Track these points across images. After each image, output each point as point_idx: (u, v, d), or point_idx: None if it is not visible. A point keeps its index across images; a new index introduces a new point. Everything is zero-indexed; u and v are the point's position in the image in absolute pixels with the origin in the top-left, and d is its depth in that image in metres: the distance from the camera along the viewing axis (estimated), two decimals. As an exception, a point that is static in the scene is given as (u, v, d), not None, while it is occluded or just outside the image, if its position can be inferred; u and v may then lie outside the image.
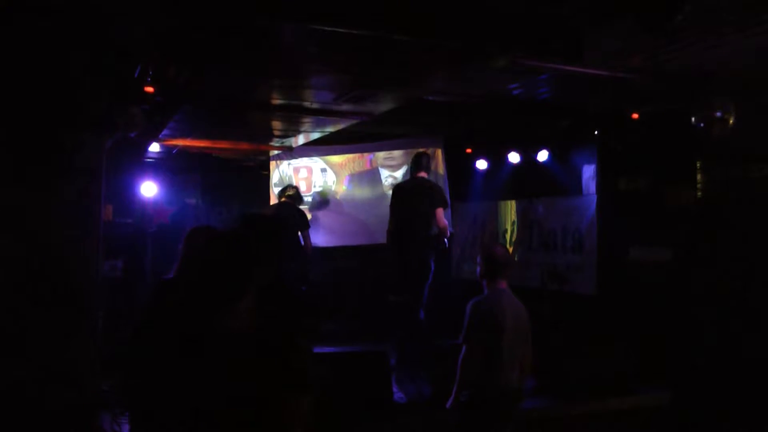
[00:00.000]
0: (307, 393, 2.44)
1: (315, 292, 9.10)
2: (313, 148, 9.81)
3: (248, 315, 2.41)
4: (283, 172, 10.19)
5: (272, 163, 10.20)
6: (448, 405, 4.78)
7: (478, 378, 4.58)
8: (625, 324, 7.14)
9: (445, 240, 7.43)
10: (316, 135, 8.58)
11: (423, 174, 7.59)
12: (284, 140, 9.07)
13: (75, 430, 4.72)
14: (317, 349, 7.64)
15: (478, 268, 4.80)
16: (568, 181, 8.59)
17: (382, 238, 9.80)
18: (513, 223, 9.30)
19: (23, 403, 4.43)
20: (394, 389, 6.04)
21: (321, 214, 10.22)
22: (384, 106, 6.61)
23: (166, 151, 9.29)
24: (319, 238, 10.07)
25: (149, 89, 5.75)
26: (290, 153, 9.88)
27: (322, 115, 7.03)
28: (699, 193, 6.69)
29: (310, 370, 2.45)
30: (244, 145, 9.28)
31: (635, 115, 7.19)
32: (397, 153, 9.86)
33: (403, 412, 5.82)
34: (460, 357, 4.68)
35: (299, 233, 8.64)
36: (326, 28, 4.23)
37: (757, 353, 5.99)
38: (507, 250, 4.96)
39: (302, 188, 10.20)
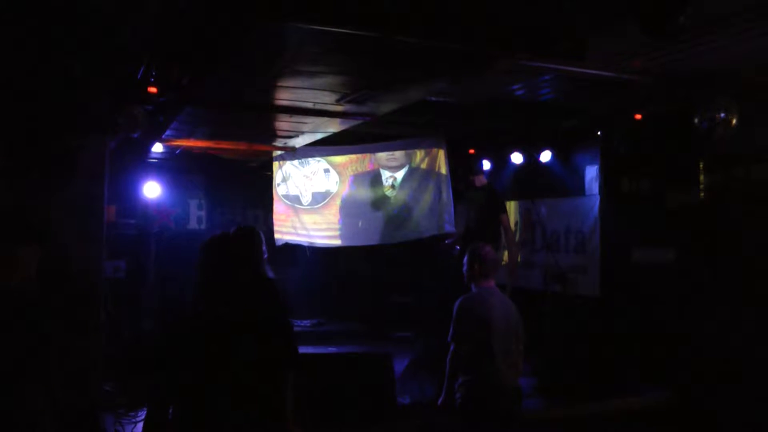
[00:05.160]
0: (294, 366, 2.99)
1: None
2: (315, 149, 9.81)
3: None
4: (285, 173, 10.19)
5: (275, 164, 10.20)
6: (439, 402, 4.82)
7: (470, 376, 4.60)
8: (626, 324, 7.14)
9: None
10: (319, 135, 8.59)
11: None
12: (287, 141, 9.07)
13: (79, 430, 4.73)
14: (323, 350, 7.73)
15: (465, 269, 4.83)
16: (571, 182, 8.59)
17: (382, 239, 9.84)
18: (516, 224, 9.30)
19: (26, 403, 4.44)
20: (397, 390, 6.04)
21: (323, 215, 10.23)
22: (387, 107, 6.61)
23: (169, 151, 9.30)
24: (322, 239, 10.09)
25: (152, 90, 5.76)
26: (293, 153, 9.88)
27: (324, 116, 7.03)
28: (702, 194, 6.68)
29: (294, 347, 3.02)
30: (247, 146, 9.28)
31: (638, 116, 7.19)
32: (398, 154, 9.85)
33: (407, 413, 5.82)
34: (449, 355, 4.72)
35: None
36: (329, 30, 4.23)
37: (759, 354, 5.99)
38: (493, 250, 4.99)
39: (305, 188, 10.22)
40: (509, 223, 7.57)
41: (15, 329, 2.78)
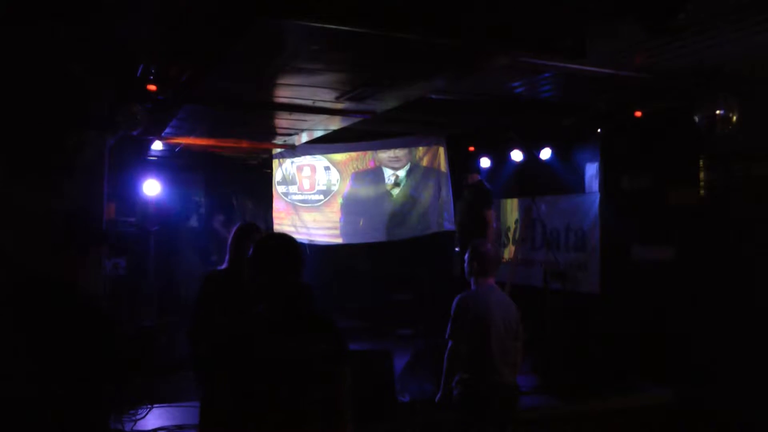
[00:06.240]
0: (347, 360, 2.84)
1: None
2: (315, 146, 9.81)
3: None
4: (286, 171, 10.19)
5: (275, 161, 10.20)
6: (436, 399, 4.82)
7: (467, 374, 4.59)
8: (626, 322, 7.14)
9: None
10: (318, 133, 8.58)
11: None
12: (287, 138, 9.07)
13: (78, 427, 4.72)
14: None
15: (466, 266, 4.83)
16: (571, 179, 8.59)
17: (383, 236, 9.85)
18: (516, 221, 9.30)
19: (28, 401, 4.44)
20: (397, 387, 6.04)
21: (324, 213, 10.23)
22: (387, 104, 6.61)
23: (169, 149, 9.30)
24: (322, 237, 10.09)
25: (152, 87, 5.75)
26: (293, 151, 9.88)
27: (324, 113, 7.03)
28: (702, 192, 6.68)
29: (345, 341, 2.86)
30: (246, 144, 9.28)
31: (638, 113, 7.18)
32: (400, 152, 9.86)
33: (406, 410, 5.82)
34: (446, 352, 4.72)
35: None
36: (329, 26, 4.22)
37: (759, 352, 5.98)
38: (495, 248, 4.99)
39: (306, 186, 10.22)
40: (492, 220, 7.58)
41: (82, 327, 2.79)
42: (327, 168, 10.22)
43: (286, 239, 3.02)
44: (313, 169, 10.24)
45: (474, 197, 7.90)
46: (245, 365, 2.68)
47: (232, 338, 2.77)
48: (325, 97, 6.33)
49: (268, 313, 2.80)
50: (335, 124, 7.81)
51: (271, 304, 2.81)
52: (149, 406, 5.70)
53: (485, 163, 9.48)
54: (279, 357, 2.68)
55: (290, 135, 8.81)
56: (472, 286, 4.81)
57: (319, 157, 10.19)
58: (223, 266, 4.62)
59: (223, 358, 2.75)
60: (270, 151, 10.06)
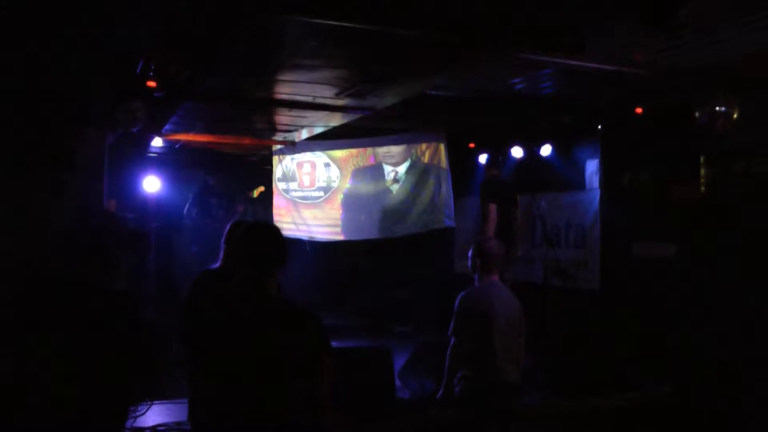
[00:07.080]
0: (327, 350, 2.93)
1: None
2: (315, 143, 9.80)
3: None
4: (286, 167, 10.18)
5: (275, 158, 10.19)
6: (438, 396, 4.82)
7: (469, 371, 4.58)
8: (627, 319, 7.13)
9: None
10: (318, 130, 8.58)
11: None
12: (287, 135, 9.07)
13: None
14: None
15: (470, 262, 4.81)
16: (572, 176, 8.57)
17: (384, 233, 9.84)
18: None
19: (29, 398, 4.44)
20: (398, 385, 6.04)
21: (324, 210, 10.22)
22: (387, 101, 6.60)
23: (169, 146, 9.29)
24: (323, 233, 10.07)
25: (151, 84, 5.75)
26: (293, 148, 9.87)
27: (324, 110, 7.03)
28: (702, 189, 6.67)
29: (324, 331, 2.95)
30: (246, 140, 9.28)
31: (639, 110, 7.17)
32: (399, 149, 9.84)
33: (407, 408, 5.82)
34: (449, 349, 4.70)
35: None
36: (328, 23, 4.22)
37: (759, 350, 5.98)
38: (499, 244, 4.96)
39: (306, 183, 10.21)
40: (493, 214, 7.54)
41: (119, 330, 2.80)
42: (327, 164, 10.20)
43: (261, 229, 3.00)
44: (313, 165, 10.22)
45: (484, 192, 7.89)
46: (225, 356, 2.70)
47: (212, 331, 2.78)
48: (324, 94, 6.33)
49: (250, 306, 2.81)
50: (335, 120, 7.81)
51: (251, 295, 2.82)
52: (149, 402, 5.69)
53: (483, 159, 9.46)
54: (258, 348, 2.69)
55: (290, 131, 8.81)
56: (476, 283, 4.80)
57: (319, 153, 10.17)
58: (217, 265, 4.58)
59: (204, 350, 2.77)
60: (270, 147, 10.05)
